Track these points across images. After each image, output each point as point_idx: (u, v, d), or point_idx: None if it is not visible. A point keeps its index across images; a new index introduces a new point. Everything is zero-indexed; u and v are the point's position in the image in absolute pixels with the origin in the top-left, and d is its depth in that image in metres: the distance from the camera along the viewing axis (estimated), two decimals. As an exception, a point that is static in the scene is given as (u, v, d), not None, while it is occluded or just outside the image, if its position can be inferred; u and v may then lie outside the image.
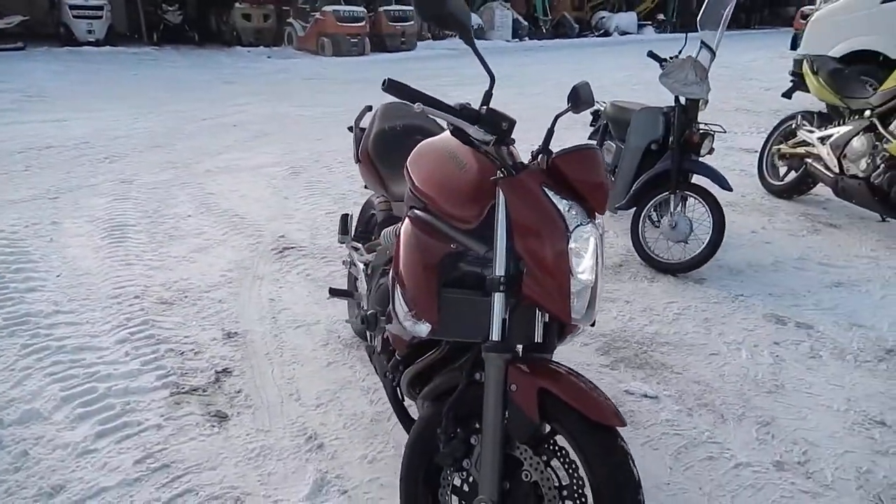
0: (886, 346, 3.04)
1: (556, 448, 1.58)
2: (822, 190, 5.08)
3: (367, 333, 2.32)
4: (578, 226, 1.54)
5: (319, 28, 16.87)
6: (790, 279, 3.77)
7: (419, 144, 2.01)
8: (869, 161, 4.25)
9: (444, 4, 1.51)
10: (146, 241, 4.31)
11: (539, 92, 10.66)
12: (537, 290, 1.55)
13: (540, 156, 1.62)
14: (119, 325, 3.18)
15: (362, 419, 2.50)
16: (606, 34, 25.45)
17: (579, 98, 1.68)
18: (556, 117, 1.66)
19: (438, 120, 2.00)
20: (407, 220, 1.85)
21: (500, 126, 1.59)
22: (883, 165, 4.15)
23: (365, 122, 2.82)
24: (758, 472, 2.23)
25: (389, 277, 2.01)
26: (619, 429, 1.51)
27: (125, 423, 2.45)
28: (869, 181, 4.21)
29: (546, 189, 1.57)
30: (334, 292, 2.72)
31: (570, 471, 1.57)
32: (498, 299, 1.58)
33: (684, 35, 3.92)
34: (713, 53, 3.82)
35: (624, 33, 25.45)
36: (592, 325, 1.65)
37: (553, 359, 1.68)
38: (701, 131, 3.79)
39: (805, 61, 4.98)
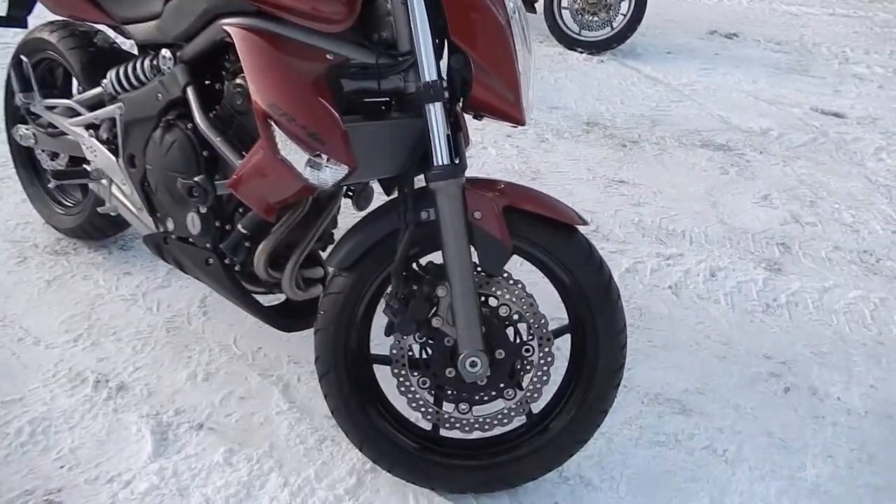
0: (583, 120, 3.47)
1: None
2: None
3: (151, 219, 1.66)
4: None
5: None
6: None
7: None
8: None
9: None
10: None
11: None
12: (488, 90, 1.24)
13: None
14: None
15: (154, 333, 1.87)
16: None
17: None
18: None
19: None
20: (244, 34, 1.28)
21: None
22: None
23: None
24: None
25: (207, 125, 1.43)
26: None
27: None
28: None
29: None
30: (60, 175, 1.86)
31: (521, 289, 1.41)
32: (437, 112, 1.23)
33: None
34: None
35: None
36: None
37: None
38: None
39: None
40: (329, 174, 1.23)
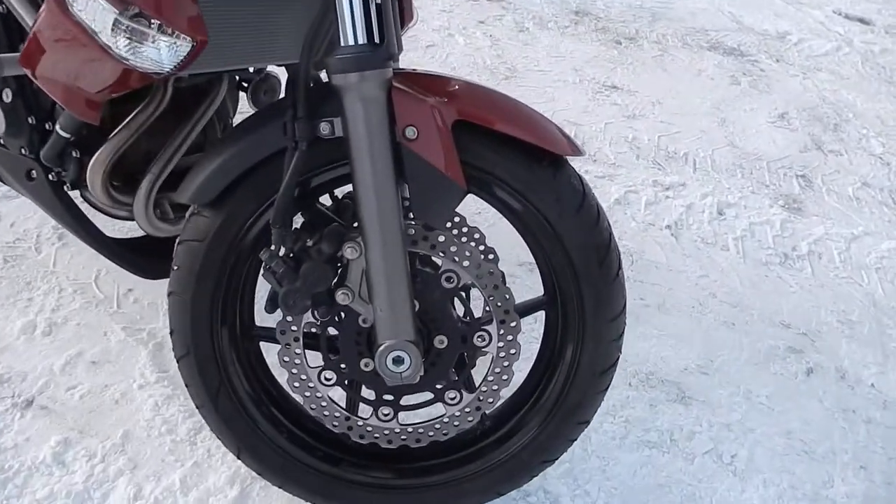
0: (572, 7, 2.90)
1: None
2: None
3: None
4: None
5: None
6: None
7: None
8: None
9: None
10: None
11: None
12: None
13: None
14: None
15: (-15, 265, 1.39)
16: None
17: None
18: None
19: None
20: None
21: None
22: None
23: None
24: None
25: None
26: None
27: None
28: None
29: None
30: None
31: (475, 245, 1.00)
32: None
33: None
34: None
35: None
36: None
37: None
38: None
39: None
40: (162, 51, 0.73)
